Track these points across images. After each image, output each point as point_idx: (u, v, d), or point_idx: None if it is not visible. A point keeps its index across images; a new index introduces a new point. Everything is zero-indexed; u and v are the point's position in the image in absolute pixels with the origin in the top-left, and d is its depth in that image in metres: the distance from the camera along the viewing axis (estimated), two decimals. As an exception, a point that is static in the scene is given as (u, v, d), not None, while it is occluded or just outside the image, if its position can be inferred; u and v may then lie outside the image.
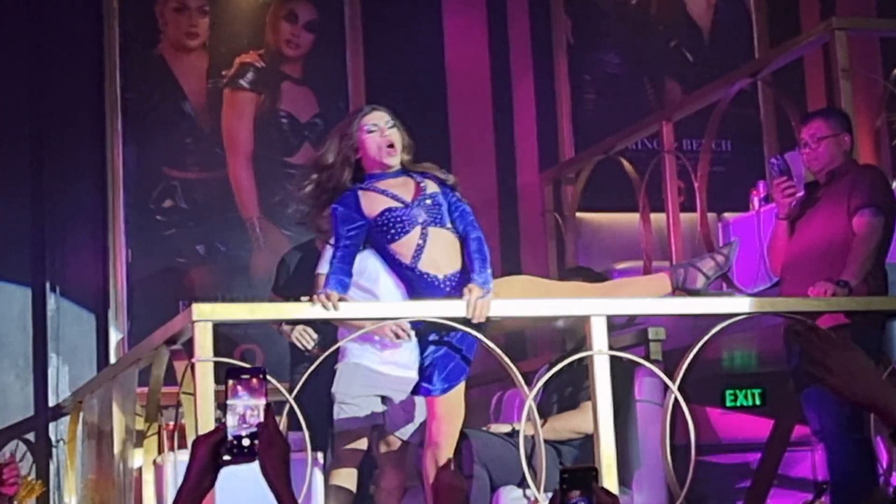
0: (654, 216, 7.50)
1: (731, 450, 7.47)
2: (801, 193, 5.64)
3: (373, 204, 4.96)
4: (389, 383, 5.80)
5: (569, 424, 5.32)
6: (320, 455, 5.32)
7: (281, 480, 2.39)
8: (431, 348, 4.88)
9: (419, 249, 4.92)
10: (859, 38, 7.32)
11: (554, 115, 8.77)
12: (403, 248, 4.92)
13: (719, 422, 7.61)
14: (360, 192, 4.97)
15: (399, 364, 5.81)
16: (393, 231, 4.93)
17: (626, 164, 7.65)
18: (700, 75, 8.60)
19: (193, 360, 4.51)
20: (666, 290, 5.11)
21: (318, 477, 5.10)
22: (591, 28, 9.06)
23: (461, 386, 4.92)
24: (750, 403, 7.50)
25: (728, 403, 7.42)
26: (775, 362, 5.93)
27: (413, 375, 5.84)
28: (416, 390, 4.99)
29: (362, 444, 5.66)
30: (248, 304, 5.09)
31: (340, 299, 4.74)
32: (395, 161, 5.00)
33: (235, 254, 8.11)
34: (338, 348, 5.64)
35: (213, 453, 2.39)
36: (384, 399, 5.77)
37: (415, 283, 4.92)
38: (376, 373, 5.74)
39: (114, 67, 8.03)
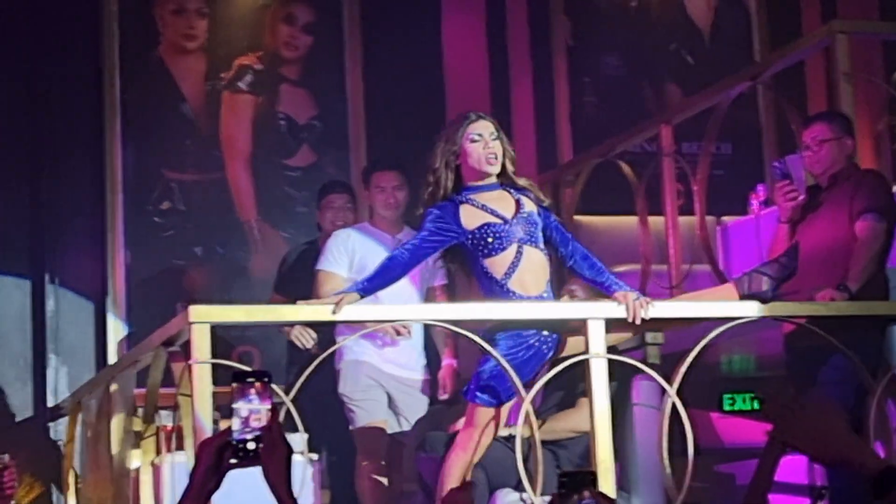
0: (652, 219, 7.48)
1: (729, 454, 7.46)
2: (802, 197, 5.62)
3: (471, 217, 4.94)
4: (390, 381, 5.81)
5: (567, 424, 5.31)
6: (317, 457, 5.32)
7: (283, 484, 2.39)
8: (492, 364, 4.85)
9: (512, 267, 4.91)
10: (861, 41, 7.31)
11: (553, 116, 8.76)
12: (497, 264, 4.92)
13: (720, 426, 7.60)
14: (459, 205, 4.96)
15: (399, 364, 5.83)
16: (491, 246, 4.92)
17: (624, 166, 7.63)
18: (700, 78, 8.58)
19: (190, 362, 4.51)
20: (734, 300, 5.11)
21: (314, 478, 5.09)
22: (591, 30, 9.05)
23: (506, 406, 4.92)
24: (748, 408, 7.49)
25: (726, 407, 7.41)
26: (774, 366, 5.92)
27: (415, 376, 5.85)
28: (466, 393, 4.98)
29: (382, 437, 5.72)
30: (244, 307, 5.09)
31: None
32: (494, 170, 4.97)
33: (233, 255, 8.11)
34: (336, 349, 5.65)
35: (217, 456, 2.39)
36: (389, 396, 5.81)
37: (501, 299, 4.91)
38: (377, 370, 5.77)
39: (113, 69, 8.02)
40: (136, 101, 8.07)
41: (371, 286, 4.86)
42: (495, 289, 4.88)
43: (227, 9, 8.37)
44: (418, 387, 5.95)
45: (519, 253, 4.90)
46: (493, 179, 4.98)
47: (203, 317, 4.56)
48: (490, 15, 8.76)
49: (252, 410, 2.38)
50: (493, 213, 4.92)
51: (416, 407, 5.92)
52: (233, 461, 2.39)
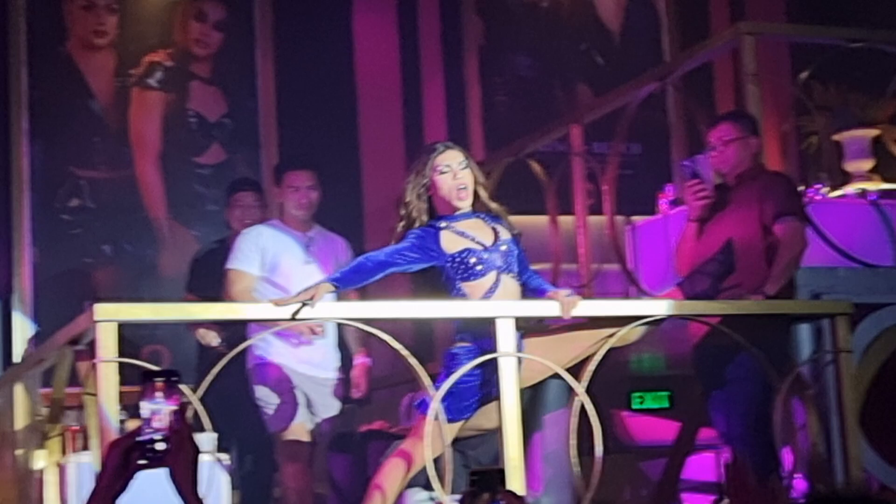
0: (562, 219, 7.52)
1: (638, 452, 7.51)
2: (711, 196, 5.68)
3: (452, 242, 4.93)
4: (306, 382, 5.78)
5: (470, 423, 5.28)
6: (225, 457, 5.28)
7: (189, 485, 2.36)
8: (468, 378, 4.83)
9: (489, 293, 4.91)
10: (768, 42, 7.40)
11: (464, 116, 8.78)
12: (474, 288, 4.90)
13: (630, 424, 7.65)
14: (440, 230, 4.94)
15: (313, 363, 5.80)
16: (471, 271, 4.90)
17: (535, 166, 7.66)
18: (610, 78, 8.64)
19: (96, 361, 4.45)
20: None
21: (223, 479, 5.05)
22: (503, 30, 9.08)
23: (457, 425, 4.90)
24: (657, 406, 7.54)
25: (635, 406, 7.46)
26: (682, 365, 5.97)
27: (329, 375, 5.82)
28: (420, 405, 4.94)
29: (300, 439, 5.68)
30: (152, 305, 5.03)
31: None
32: (465, 204, 4.96)
33: (143, 253, 8.04)
34: (247, 348, 5.61)
35: (125, 458, 2.36)
36: (305, 396, 5.77)
37: (474, 325, 4.89)
38: (292, 371, 5.73)
39: (20, 65, 7.92)
40: (44, 98, 7.98)
41: (343, 280, 4.79)
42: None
43: (137, 5, 8.29)
44: (332, 386, 5.92)
45: (497, 281, 4.91)
46: (468, 208, 4.99)
47: (109, 315, 4.50)
48: (402, 14, 8.75)
49: (159, 410, 2.36)
50: (473, 239, 4.93)
51: (331, 407, 5.90)
52: (141, 462, 2.36)
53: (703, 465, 7.32)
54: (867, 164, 8.54)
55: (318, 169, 6.04)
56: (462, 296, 4.89)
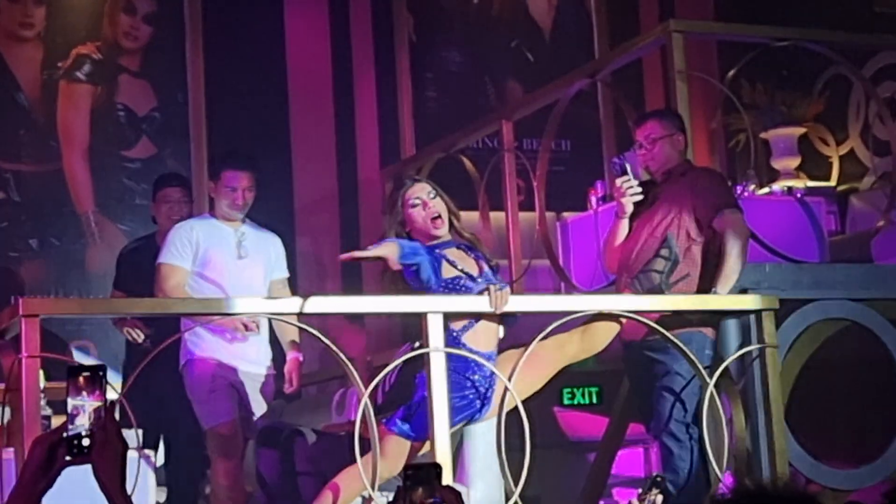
0: (493, 214, 7.54)
1: (568, 447, 7.54)
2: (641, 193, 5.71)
3: (447, 270, 4.98)
4: (239, 378, 5.74)
5: None
6: (152, 453, 5.24)
7: (115, 482, 2.33)
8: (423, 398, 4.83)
9: (470, 324, 4.95)
10: (696, 41, 7.45)
11: (395, 111, 8.77)
12: (457, 316, 4.92)
13: (561, 420, 7.68)
14: (443, 261, 4.99)
15: (248, 359, 5.76)
16: None
17: (466, 162, 7.67)
18: (540, 75, 8.66)
19: (20, 356, 4.39)
20: None
21: (150, 476, 5.01)
22: (434, 26, 9.08)
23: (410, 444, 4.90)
24: (587, 402, 7.57)
25: (565, 401, 7.48)
26: (612, 361, 5.99)
27: (262, 371, 5.79)
28: (388, 419, 4.92)
29: (235, 436, 5.64)
30: (78, 299, 5.00)
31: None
32: (442, 232, 5.03)
33: (70, 248, 7.95)
34: (179, 345, 5.56)
35: (50, 454, 2.32)
36: (238, 392, 5.73)
37: (450, 346, 4.89)
38: (226, 367, 5.69)
39: (-56, 56, 7.82)
40: (-30, 90, 7.88)
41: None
42: (448, 339, 4.88)
43: (65, -3, 8.22)
44: (264, 382, 5.89)
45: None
46: (446, 235, 5.04)
47: (35, 309, 4.45)
48: (333, 9, 8.73)
49: (84, 406, 2.32)
50: (462, 270, 4.99)
51: (262, 403, 5.86)
52: (67, 458, 2.33)
53: (633, 461, 7.37)
54: (794, 162, 8.64)
55: (257, 169, 5.99)
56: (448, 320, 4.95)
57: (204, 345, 5.68)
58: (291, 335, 5.89)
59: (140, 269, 6.14)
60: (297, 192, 8.45)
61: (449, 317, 4.86)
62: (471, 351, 4.89)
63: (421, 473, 2.65)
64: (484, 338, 4.97)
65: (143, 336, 5.98)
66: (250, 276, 5.77)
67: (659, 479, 4.43)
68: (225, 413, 5.65)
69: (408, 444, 4.84)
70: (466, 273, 4.98)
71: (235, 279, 5.72)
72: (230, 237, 5.82)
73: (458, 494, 2.69)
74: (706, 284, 5.39)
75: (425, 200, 5.01)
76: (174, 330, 5.56)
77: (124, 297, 6.15)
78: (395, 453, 4.82)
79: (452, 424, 4.81)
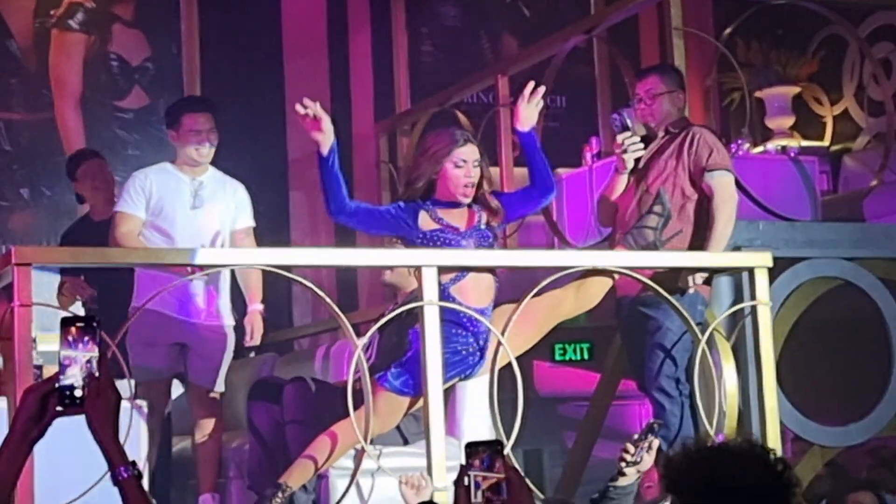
0: (488, 170, 7.51)
1: (559, 402, 7.57)
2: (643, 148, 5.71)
3: (426, 222, 4.94)
4: (188, 330, 5.62)
5: None
6: (145, 403, 5.22)
7: (107, 432, 2.33)
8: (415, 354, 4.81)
9: (458, 276, 4.89)
10: (692, -2, 7.42)
11: (390, 66, 8.73)
12: (442, 269, 4.87)
13: (549, 375, 7.70)
14: (420, 209, 4.94)
15: (201, 310, 5.64)
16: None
17: (461, 116, 7.66)
18: (536, 30, 8.64)
19: (13, 305, 4.38)
20: None
21: (142, 426, 5.01)
22: (430, -21, 9.04)
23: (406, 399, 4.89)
24: (578, 358, 7.60)
25: (557, 357, 7.51)
26: (604, 317, 6.00)
27: (218, 323, 5.69)
28: (381, 375, 4.90)
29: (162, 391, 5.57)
30: (70, 248, 4.97)
31: None
32: (466, 201, 4.96)
33: (61, 198, 7.93)
34: (129, 292, 5.50)
35: (42, 403, 2.32)
36: (183, 347, 5.61)
37: (442, 300, 4.84)
38: (173, 319, 5.57)
39: (-66, 3, 7.77)
40: (-40, 37, 7.84)
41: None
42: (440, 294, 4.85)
43: (58, -56, 8.16)
44: (222, 333, 5.78)
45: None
46: (466, 203, 5.00)
47: (27, 258, 4.42)
48: (328, -39, 8.69)
49: (80, 356, 2.32)
50: (446, 224, 4.94)
51: (216, 355, 5.72)
52: (58, 409, 2.32)
53: (625, 416, 7.40)
54: (788, 121, 8.65)
55: (215, 112, 5.86)
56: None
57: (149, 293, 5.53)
58: (253, 287, 5.76)
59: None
60: (291, 146, 8.42)
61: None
62: (460, 304, 4.87)
63: (482, 449, 2.64)
64: (474, 292, 4.93)
65: (83, 299, 5.91)
66: (201, 227, 5.66)
67: (655, 425, 4.41)
68: (153, 371, 5.56)
69: (401, 399, 4.84)
70: (452, 227, 4.94)
71: (186, 229, 5.61)
72: (185, 186, 5.68)
73: (518, 472, 2.67)
74: (699, 242, 5.39)
75: (469, 166, 4.94)
76: (125, 280, 5.50)
77: (74, 281, 6.11)
78: (387, 410, 4.82)
79: (446, 380, 4.80)
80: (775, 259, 5.40)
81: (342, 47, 8.63)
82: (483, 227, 5.01)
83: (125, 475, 2.31)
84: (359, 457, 4.69)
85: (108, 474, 2.33)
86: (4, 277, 4.66)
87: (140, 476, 2.34)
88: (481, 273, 4.94)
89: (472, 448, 2.64)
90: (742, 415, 5.40)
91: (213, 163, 5.80)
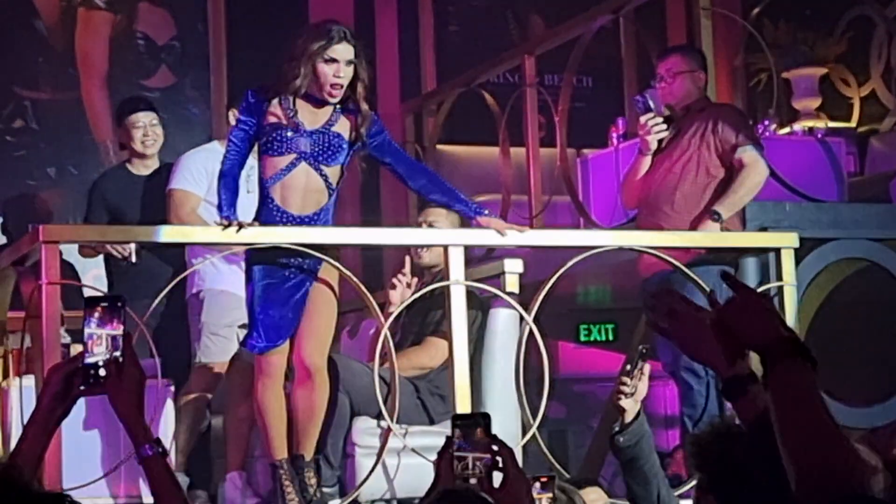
0: (514, 150, 7.50)
1: (584, 383, 7.56)
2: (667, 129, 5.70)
3: (271, 116, 4.81)
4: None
5: (412, 361, 5.24)
6: (171, 382, 5.23)
7: (131, 411, 2.33)
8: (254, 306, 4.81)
9: (279, 174, 4.79)
10: (720, -23, 7.39)
11: (416, 46, 8.71)
12: (269, 165, 4.81)
13: (574, 356, 7.69)
14: (272, 99, 4.81)
15: None
16: (269, 146, 4.81)
17: (487, 96, 7.64)
18: (563, 10, 8.59)
19: (41, 283, 4.40)
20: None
21: (169, 405, 5.03)
22: (457, -42, 9.01)
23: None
24: (603, 338, 7.59)
25: (582, 338, 7.50)
26: (629, 298, 5.99)
27: None
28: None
29: (220, 372, 5.59)
30: (98, 227, 4.99)
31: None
32: (333, 101, 4.83)
33: (88, 177, 7.90)
34: (186, 277, 5.52)
35: (66, 382, 2.33)
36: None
37: (260, 203, 4.83)
38: (240, 300, 5.62)
39: (-39, -17, 7.78)
40: (-13, 17, 7.85)
41: (229, 204, 4.76)
42: (260, 190, 4.81)
43: (85, -77, 8.16)
44: None
45: (292, 164, 4.79)
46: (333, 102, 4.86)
47: (55, 236, 4.45)
48: (355, -60, 8.66)
49: (104, 335, 2.32)
50: (290, 119, 4.79)
51: None
52: (82, 387, 2.33)
53: (650, 396, 7.38)
54: (815, 103, 8.59)
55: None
56: (261, 168, 4.84)
57: (218, 276, 5.61)
58: None
59: (123, 198, 6.05)
60: (316, 125, 8.41)
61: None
62: (276, 209, 4.77)
63: (468, 422, 2.64)
64: (297, 197, 4.81)
65: (129, 251, 5.84)
66: (250, 208, 5.69)
67: (644, 350, 4.32)
68: (228, 351, 5.58)
69: (266, 356, 4.79)
70: (295, 122, 4.78)
71: (241, 212, 5.64)
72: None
73: (506, 445, 2.67)
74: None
75: (340, 65, 4.77)
76: (185, 259, 5.52)
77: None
78: (268, 370, 4.78)
79: (276, 344, 4.76)
80: (802, 240, 5.40)
81: (369, 27, 8.61)
82: (332, 129, 4.84)
83: (149, 453, 2.32)
84: (385, 436, 4.71)
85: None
86: (32, 256, 4.69)
87: (165, 454, 2.34)
88: (308, 174, 4.80)
89: (457, 420, 2.64)
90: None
91: None
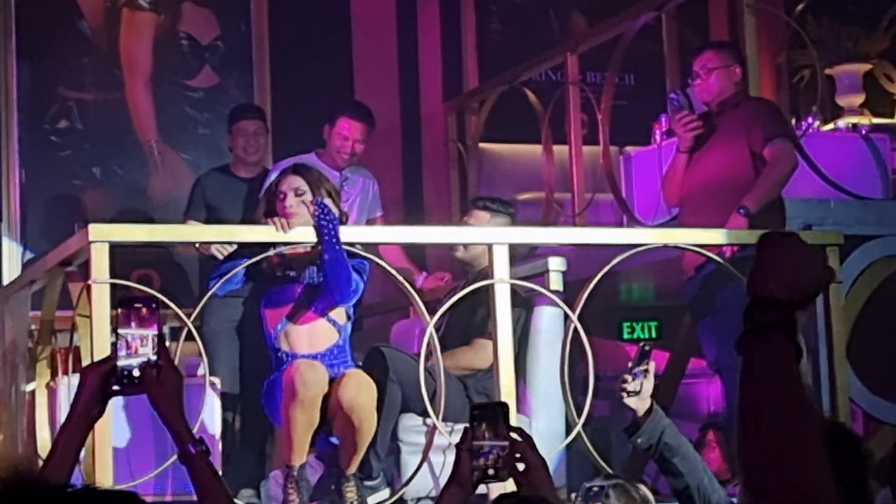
0: (556, 148, 7.50)
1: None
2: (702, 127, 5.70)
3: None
4: None
5: (460, 362, 5.25)
6: (217, 380, 5.26)
7: (173, 413, 2.35)
8: None
9: (284, 323, 5.01)
10: (763, -26, 7.35)
11: (459, 44, 8.71)
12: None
13: (619, 354, 7.68)
14: None
15: None
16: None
17: (530, 94, 7.64)
18: (605, 7, 8.57)
19: (90, 282, 4.43)
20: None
21: (215, 402, 5.06)
22: (499, -43, 9.00)
23: None
24: (646, 336, 7.58)
25: (625, 336, 7.49)
26: (672, 295, 5.98)
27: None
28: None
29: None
30: (146, 226, 5.02)
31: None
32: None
33: (132, 177, 7.99)
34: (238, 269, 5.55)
35: (102, 382, 2.35)
36: None
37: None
38: None
39: (7, -17, 7.83)
40: (32, 17, 7.88)
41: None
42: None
43: (128, -76, 8.19)
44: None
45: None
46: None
47: (103, 235, 4.48)
48: (397, -62, 8.67)
49: (138, 336, 2.33)
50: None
51: None
52: (116, 388, 2.34)
53: (694, 394, 7.37)
54: (858, 99, 8.54)
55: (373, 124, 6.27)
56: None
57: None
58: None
59: (218, 197, 6.19)
60: (359, 124, 8.42)
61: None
62: (288, 353, 4.93)
63: (487, 412, 2.63)
64: (307, 339, 4.98)
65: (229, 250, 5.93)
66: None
67: (647, 348, 4.29)
68: None
69: (305, 363, 4.90)
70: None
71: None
72: (334, 180, 5.83)
73: (527, 435, 2.68)
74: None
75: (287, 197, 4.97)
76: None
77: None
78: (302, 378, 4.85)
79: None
80: (846, 237, 5.38)
81: (411, 25, 8.63)
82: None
83: (192, 451, 2.34)
84: (430, 433, 4.72)
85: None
86: (79, 256, 4.72)
87: (208, 452, 2.36)
88: (316, 321, 4.97)
89: (476, 410, 2.64)
90: (812, 393, 5.37)
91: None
